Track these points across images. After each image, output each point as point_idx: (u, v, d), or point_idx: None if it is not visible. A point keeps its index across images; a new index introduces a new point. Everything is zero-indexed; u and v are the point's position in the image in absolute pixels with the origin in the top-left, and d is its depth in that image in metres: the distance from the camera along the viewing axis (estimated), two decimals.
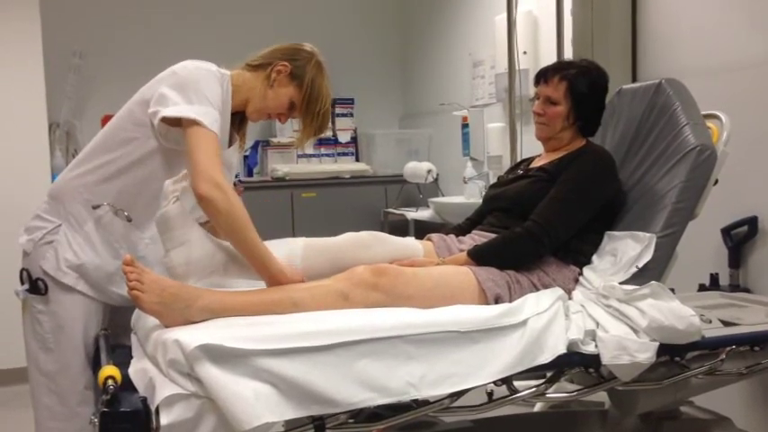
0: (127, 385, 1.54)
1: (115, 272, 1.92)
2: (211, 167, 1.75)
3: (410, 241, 2.17)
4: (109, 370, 1.50)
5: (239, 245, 1.78)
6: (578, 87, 2.20)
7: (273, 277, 1.79)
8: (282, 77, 2.03)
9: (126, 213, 1.94)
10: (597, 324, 1.84)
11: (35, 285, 1.95)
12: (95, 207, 1.94)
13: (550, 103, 2.22)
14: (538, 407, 2.71)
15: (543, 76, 2.26)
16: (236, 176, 2.17)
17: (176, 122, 1.85)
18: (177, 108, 1.81)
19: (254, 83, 2.04)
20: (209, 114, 1.82)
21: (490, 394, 1.74)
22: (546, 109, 2.23)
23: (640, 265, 1.98)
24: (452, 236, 2.23)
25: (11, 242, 3.79)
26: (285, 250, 1.95)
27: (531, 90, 2.41)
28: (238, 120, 2.12)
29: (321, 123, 2.11)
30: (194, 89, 1.85)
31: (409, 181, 4.56)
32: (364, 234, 2.03)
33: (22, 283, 1.98)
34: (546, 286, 1.99)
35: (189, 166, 1.79)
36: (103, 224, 1.95)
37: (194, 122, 1.79)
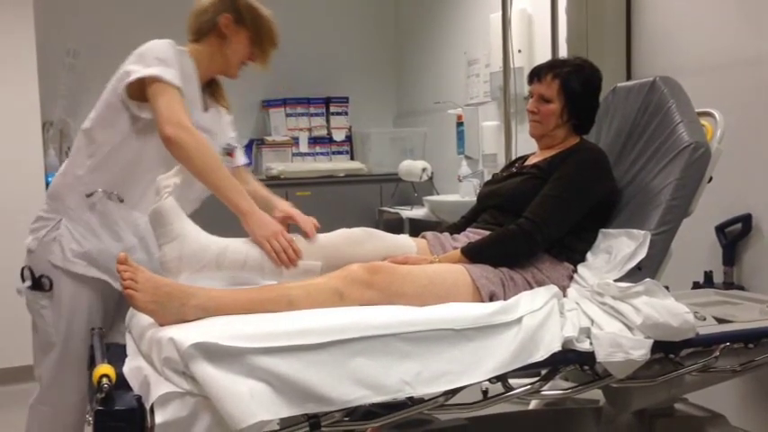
0: (121, 384, 1.54)
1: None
2: (174, 112, 1.85)
3: (403, 238, 2.17)
4: (103, 368, 1.50)
5: (211, 184, 1.89)
6: (571, 85, 2.20)
7: (246, 214, 1.88)
8: (232, 28, 2.11)
9: (116, 194, 2.01)
10: (592, 321, 1.84)
11: (38, 282, 2.04)
12: (89, 195, 2.01)
13: (544, 101, 2.23)
14: (533, 404, 2.71)
15: (537, 74, 2.26)
16: (229, 145, 2.27)
17: (142, 95, 1.95)
18: (137, 74, 1.94)
19: (210, 49, 2.12)
20: (167, 72, 1.93)
21: (485, 392, 1.74)
22: (539, 107, 2.24)
23: (635, 262, 1.98)
24: (447, 234, 2.23)
25: (5, 240, 3.81)
26: None
27: (526, 88, 2.42)
28: (210, 87, 2.21)
29: (274, 40, 2.19)
30: (149, 56, 1.97)
31: (404, 179, 4.56)
32: (357, 230, 2.03)
33: (23, 280, 2.06)
34: (540, 284, 1.99)
35: (155, 117, 1.88)
36: (99, 210, 2.02)
37: (154, 79, 1.91)
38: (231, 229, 1.92)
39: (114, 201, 2.02)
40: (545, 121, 2.24)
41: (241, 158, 2.32)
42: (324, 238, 2.01)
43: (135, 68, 1.96)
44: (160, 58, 1.96)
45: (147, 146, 1.99)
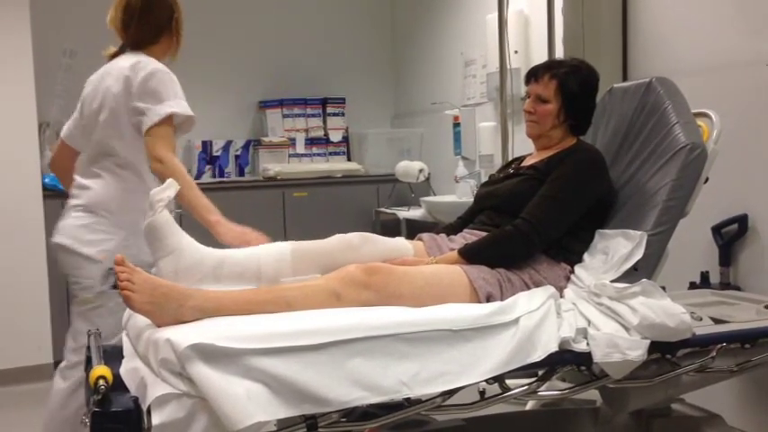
0: (118, 385, 1.54)
1: None
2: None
3: (400, 241, 2.16)
4: (100, 370, 1.50)
5: (187, 202, 2.22)
6: (569, 85, 2.21)
7: (212, 225, 2.20)
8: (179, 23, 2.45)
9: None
10: (589, 322, 1.84)
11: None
12: None
13: (541, 101, 2.23)
14: (530, 405, 2.72)
15: (534, 74, 2.26)
16: None
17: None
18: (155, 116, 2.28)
19: (164, 46, 2.44)
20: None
21: (482, 393, 1.74)
22: (536, 107, 2.24)
23: (631, 263, 1.98)
24: (443, 235, 2.23)
25: (1, 240, 3.80)
26: (274, 255, 1.96)
27: (523, 89, 2.42)
28: None
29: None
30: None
31: (401, 180, 4.56)
32: (353, 235, 2.02)
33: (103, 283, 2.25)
34: (537, 284, 1.99)
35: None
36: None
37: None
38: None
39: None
40: (542, 122, 2.24)
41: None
42: (319, 245, 2.00)
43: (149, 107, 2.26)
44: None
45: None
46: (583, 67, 2.27)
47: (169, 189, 1.82)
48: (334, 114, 5.09)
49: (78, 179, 2.42)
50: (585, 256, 2.11)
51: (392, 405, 1.65)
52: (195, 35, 4.73)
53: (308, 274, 1.88)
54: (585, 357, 1.79)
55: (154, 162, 2.23)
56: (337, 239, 2.00)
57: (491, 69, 3.94)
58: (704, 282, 2.77)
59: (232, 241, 2.14)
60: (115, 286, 1.89)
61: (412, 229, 4.13)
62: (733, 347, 2.01)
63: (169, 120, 2.25)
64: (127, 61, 2.33)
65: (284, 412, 1.49)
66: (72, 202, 2.40)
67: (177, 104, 2.26)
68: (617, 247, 2.04)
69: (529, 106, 2.26)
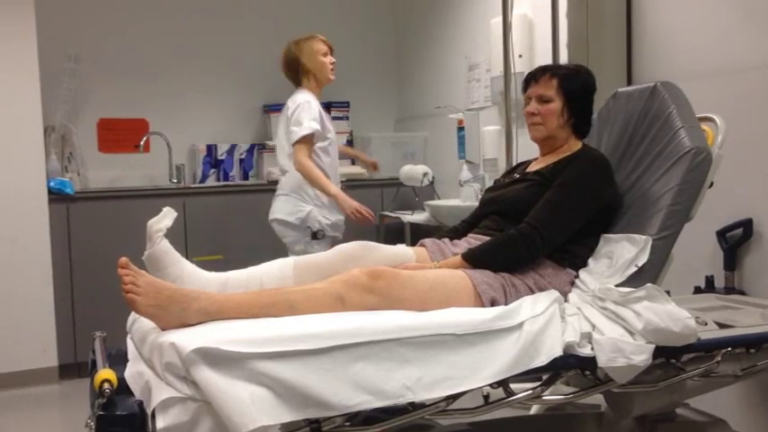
0: (123, 389, 1.54)
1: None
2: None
3: (401, 248, 2.16)
4: (105, 373, 1.50)
5: (315, 185, 3.36)
6: (570, 83, 2.21)
7: (333, 197, 3.33)
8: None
9: None
10: (593, 326, 1.84)
11: (315, 235, 3.45)
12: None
13: (543, 101, 2.23)
14: (534, 409, 2.71)
15: (533, 77, 2.28)
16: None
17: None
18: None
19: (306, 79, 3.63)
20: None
21: (486, 397, 1.74)
22: (540, 107, 2.23)
23: (636, 267, 1.98)
24: (446, 240, 2.23)
25: (6, 244, 3.81)
26: (276, 271, 1.97)
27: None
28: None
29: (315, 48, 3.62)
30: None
31: (405, 184, 4.56)
32: (353, 245, 2.03)
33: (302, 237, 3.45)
34: (542, 289, 1.99)
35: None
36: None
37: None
38: None
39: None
40: (547, 122, 2.23)
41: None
42: (320, 257, 2.02)
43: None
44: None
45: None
46: (581, 70, 2.29)
47: (166, 218, 1.85)
48: (339, 118, 5.08)
49: None
50: (590, 260, 2.11)
51: (396, 409, 1.65)
52: (200, 40, 4.78)
53: None
54: (590, 362, 1.78)
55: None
56: (338, 251, 2.02)
57: (495, 73, 3.94)
58: (709, 286, 2.76)
59: (347, 208, 3.31)
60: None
61: (416, 233, 4.12)
62: (738, 352, 2.01)
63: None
64: None
65: (288, 416, 1.49)
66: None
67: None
68: (621, 251, 2.03)
69: (532, 108, 2.26)
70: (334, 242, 3.11)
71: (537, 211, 2.07)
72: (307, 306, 1.73)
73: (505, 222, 2.15)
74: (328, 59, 3.50)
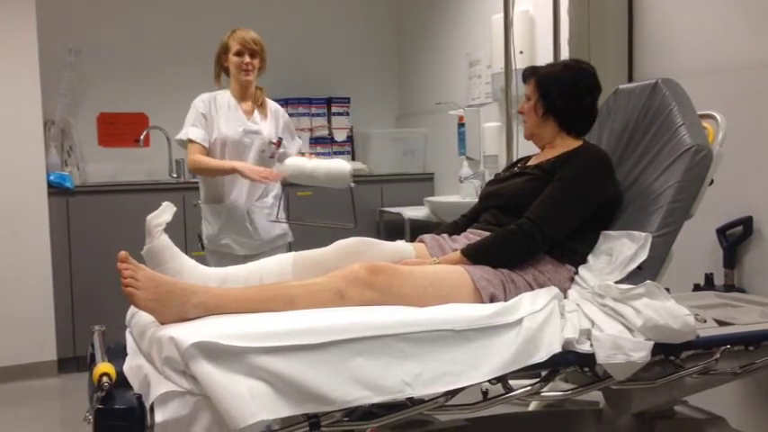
0: (122, 382, 1.54)
1: None
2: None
3: (400, 244, 2.16)
4: (104, 367, 1.50)
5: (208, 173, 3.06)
6: (546, 80, 2.24)
7: (236, 168, 2.92)
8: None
9: None
10: (592, 323, 1.84)
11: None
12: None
13: (528, 99, 2.29)
14: (533, 406, 2.71)
15: (524, 77, 2.33)
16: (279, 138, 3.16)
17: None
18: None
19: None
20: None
21: (485, 393, 1.74)
22: (524, 106, 2.30)
23: (635, 264, 1.98)
24: (445, 235, 2.23)
25: (6, 237, 3.81)
26: (276, 267, 1.97)
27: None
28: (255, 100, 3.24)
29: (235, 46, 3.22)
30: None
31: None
32: (353, 241, 2.03)
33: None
34: (541, 285, 1.99)
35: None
36: None
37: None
38: None
39: None
40: (528, 119, 2.29)
41: (290, 148, 3.22)
42: (319, 253, 2.02)
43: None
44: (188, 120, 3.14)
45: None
46: (574, 66, 2.28)
47: (165, 213, 1.84)
48: (339, 114, 5.09)
49: None
50: (590, 257, 2.11)
51: (395, 405, 1.64)
52: (200, 36, 4.77)
53: None
54: (589, 358, 1.78)
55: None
56: (338, 247, 2.01)
57: (496, 70, 3.94)
58: (708, 284, 2.76)
59: (252, 174, 2.89)
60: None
61: (415, 229, 4.13)
62: (737, 350, 2.01)
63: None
64: None
65: (287, 411, 1.49)
66: None
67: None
68: (621, 248, 2.03)
69: (520, 107, 2.33)
70: (235, 261, 2.81)
71: (537, 207, 2.07)
72: (306, 301, 1.73)
73: (505, 217, 2.15)
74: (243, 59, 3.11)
